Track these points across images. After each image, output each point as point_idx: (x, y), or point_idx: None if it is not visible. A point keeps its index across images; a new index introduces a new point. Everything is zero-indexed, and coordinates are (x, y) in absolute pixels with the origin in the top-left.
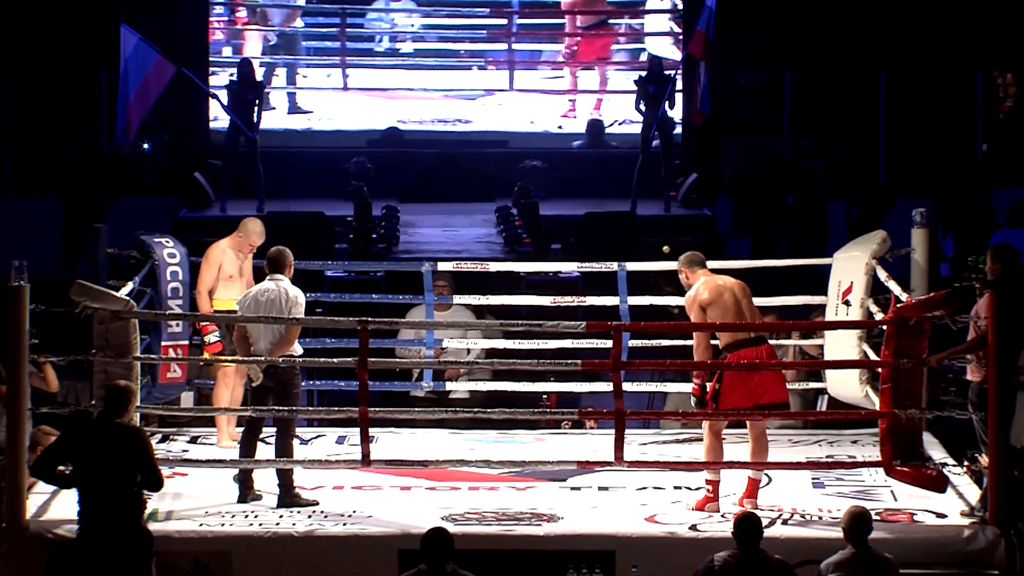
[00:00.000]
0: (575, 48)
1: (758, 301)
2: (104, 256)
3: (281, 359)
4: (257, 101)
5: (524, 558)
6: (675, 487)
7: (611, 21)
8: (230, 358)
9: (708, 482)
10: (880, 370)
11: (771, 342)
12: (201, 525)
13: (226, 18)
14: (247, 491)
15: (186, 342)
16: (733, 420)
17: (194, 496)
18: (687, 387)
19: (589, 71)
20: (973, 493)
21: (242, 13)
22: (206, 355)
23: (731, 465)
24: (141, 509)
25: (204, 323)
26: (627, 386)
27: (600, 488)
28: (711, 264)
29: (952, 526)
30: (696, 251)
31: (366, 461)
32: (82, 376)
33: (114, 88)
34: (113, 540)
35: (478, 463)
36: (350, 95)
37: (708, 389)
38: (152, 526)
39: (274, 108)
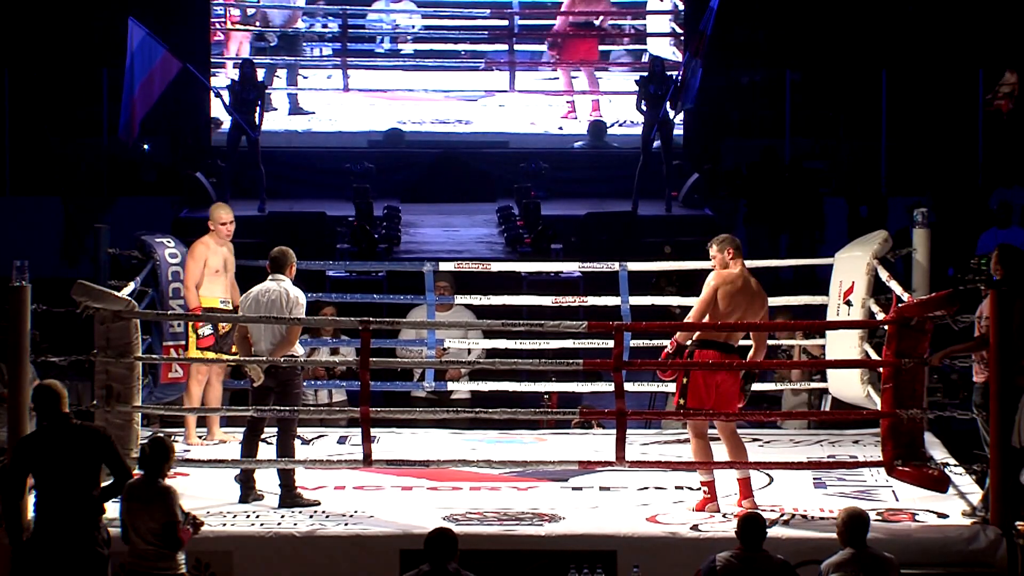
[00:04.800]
0: (559, 48)
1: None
2: (105, 256)
3: (283, 359)
4: (259, 101)
5: (525, 558)
6: (676, 487)
7: (612, 22)
8: (229, 358)
9: (703, 483)
10: (881, 370)
11: (774, 342)
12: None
13: (227, 19)
14: (249, 491)
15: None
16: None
17: (195, 496)
18: None
19: (582, 72)
20: (975, 493)
21: (236, 12)
22: (197, 349)
23: (730, 465)
24: (98, 513)
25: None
26: (628, 386)
27: (601, 488)
28: (709, 264)
29: (953, 526)
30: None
31: (368, 461)
32: (83, 376)
33: (114, 88)
34: (65, 545)
35: (480, 463)
36: (351, 96)
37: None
38: None
39: (276, 109)
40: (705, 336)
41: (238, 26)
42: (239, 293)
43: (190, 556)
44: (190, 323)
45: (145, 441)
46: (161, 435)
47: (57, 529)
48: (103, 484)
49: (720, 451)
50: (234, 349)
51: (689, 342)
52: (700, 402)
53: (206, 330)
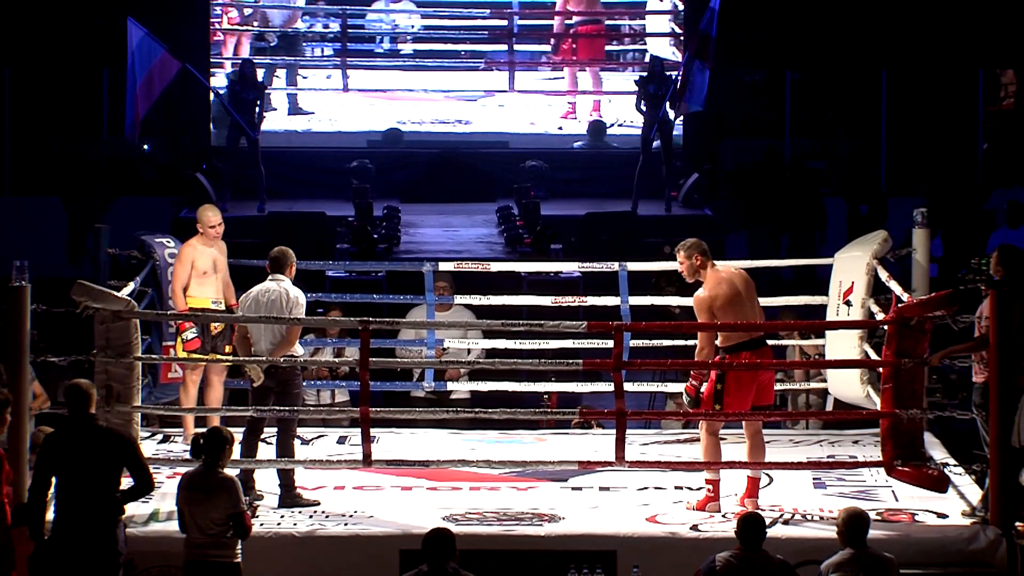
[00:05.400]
0: (574, 48)
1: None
2: (105, 256)
3: (282, 359)
4: (258, 101)
5: (525, 558)
6: (676, 487)
7: (611, 22)
8: (225, 358)
9: (708, 482)
10: (881, 370)
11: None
12: None
13: (226, 20)
14: (248, 491)
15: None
16: (732, 421)
17: None
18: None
19: (586, 72)
20: (974, 493)
21: (233, 13)
22: (183, 352)
23: (730, 465)
24: (117, 515)
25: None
26: (628, 386)
27: (601, 488)
28: (677, 266)
29: (953, 526)
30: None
31: (367, 461)
32: (83, 376)
33: (114, 88)
34: (82, 546)
35: (479, 463)
36: (351, 96)
37: (704, 390)
38: (153, 526)
39: (275, 109)
40: (731, 341)
41: (237, 27)
42: (233, 293)
43: None
44: (176, 327)
45: (202, 431)
46: (219, 426)
47: (76, 528)
48: (123, 487)
49: (728, 450)
50: (228, 349)
51: (704, 385)
52: (741, 403)
53: (190, 333)
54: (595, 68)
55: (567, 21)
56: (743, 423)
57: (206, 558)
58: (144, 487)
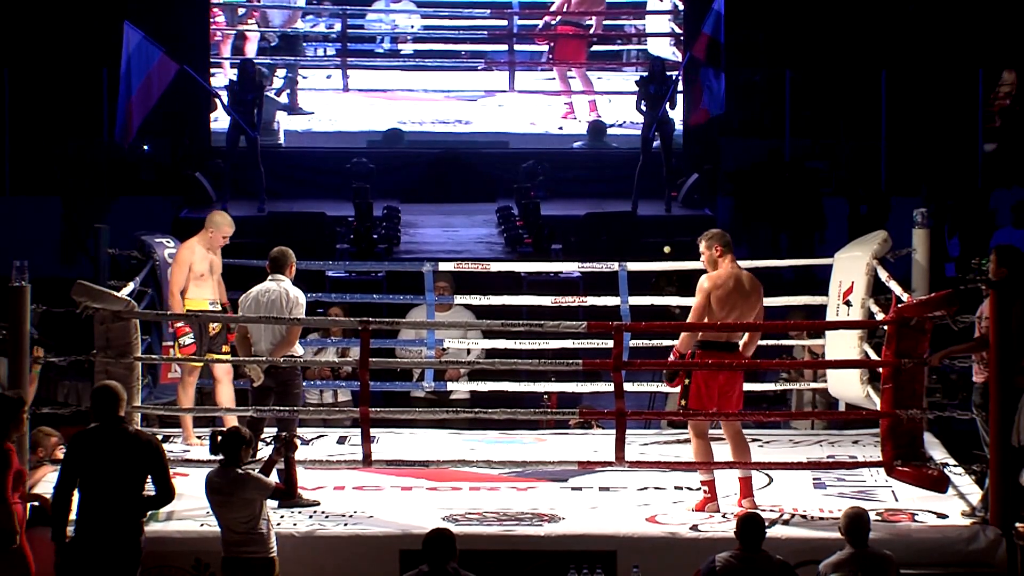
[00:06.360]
0: (552, 47)
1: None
2: (105, 256)
3: (282, 359)
4: (257, 101)
5: (525, 558)
6: (676, 487)
7: (611, 22)
8: (223, 357)
9: (703, 483)
10: (881, 370)
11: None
12: (202, 525)
13: (226, 20)
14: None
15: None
16: (713, 420)
17: (195, 496)
18: None
19: (580, 72)
20: (974, 493)
21: (220, 18)
22: (178, 356)
23: (725, 465)
24: (139, 518)
25: (178, 324)
26: (628, 386)
27: (601, 488)
28: (701, 263)
29: (953, 526)
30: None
31: (367, 461)
32: (83, 376)
33: (114, 88)
34: (104, 547)
35: (479, 463)
36: (351, 96)
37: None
38: (153, 526)
39: (276, 110)
40: (706, 338)
41: (236, 27)
42: (224, 291)
43: (189, 556)
44: (174, 332)
45: (222, 430)
46: (238, 426)
47: (100, 531)
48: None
49: (721, 451)
50: (225, 348)
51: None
52: (702, 403)
53: (187, 339)
54: (582, 69)
55: (549, 20)
56: (721, 424)
57: (241, 554)
58: (164, 497)
